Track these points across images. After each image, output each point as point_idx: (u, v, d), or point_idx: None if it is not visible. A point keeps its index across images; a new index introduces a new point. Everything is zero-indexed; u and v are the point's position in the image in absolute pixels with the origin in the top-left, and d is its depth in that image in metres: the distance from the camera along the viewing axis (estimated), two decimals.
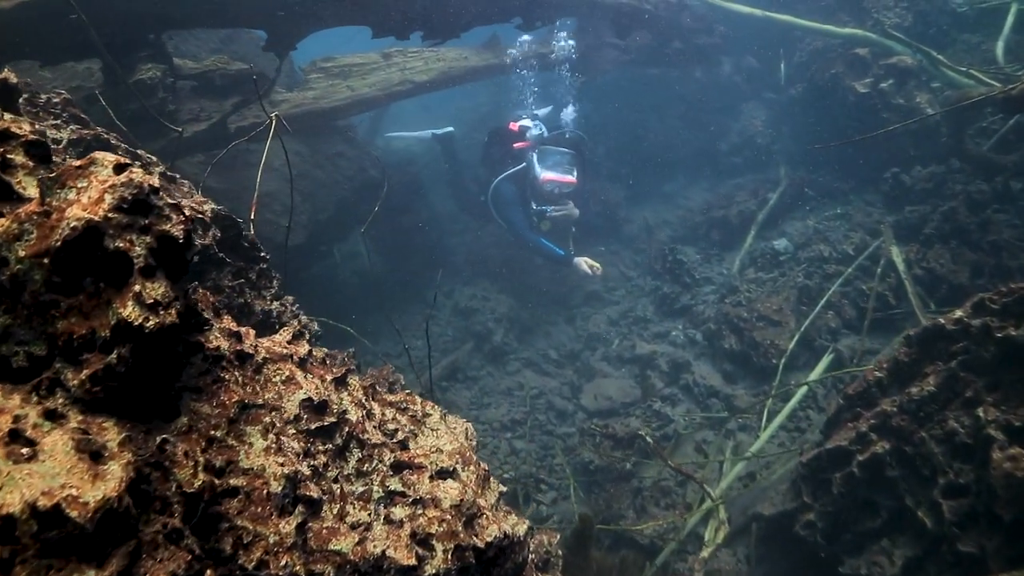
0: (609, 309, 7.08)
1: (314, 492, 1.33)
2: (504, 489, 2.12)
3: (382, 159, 8.98)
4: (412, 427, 1.95)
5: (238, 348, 1.56)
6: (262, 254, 2.73)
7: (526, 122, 7.37)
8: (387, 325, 7.71)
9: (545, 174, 6.65)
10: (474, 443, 2.04)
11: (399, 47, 6.90)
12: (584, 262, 6.55)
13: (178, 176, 3.07)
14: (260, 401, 1.36)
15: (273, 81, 5.45)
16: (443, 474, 1.71)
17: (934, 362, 3.31)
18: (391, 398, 2.00)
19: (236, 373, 1.39)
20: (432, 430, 1.96)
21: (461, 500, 1.63)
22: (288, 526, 1.24)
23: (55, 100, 3.17)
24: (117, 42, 4.99)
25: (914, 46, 6.71)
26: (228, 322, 1.63)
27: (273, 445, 1.32)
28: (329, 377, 1.82)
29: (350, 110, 6.51)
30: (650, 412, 5.45)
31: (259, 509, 1.22)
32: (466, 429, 2.01)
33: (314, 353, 1.90)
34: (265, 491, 1.23)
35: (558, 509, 4.88)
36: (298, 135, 7.67)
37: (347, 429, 1.69)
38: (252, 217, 3.11)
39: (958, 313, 3.28)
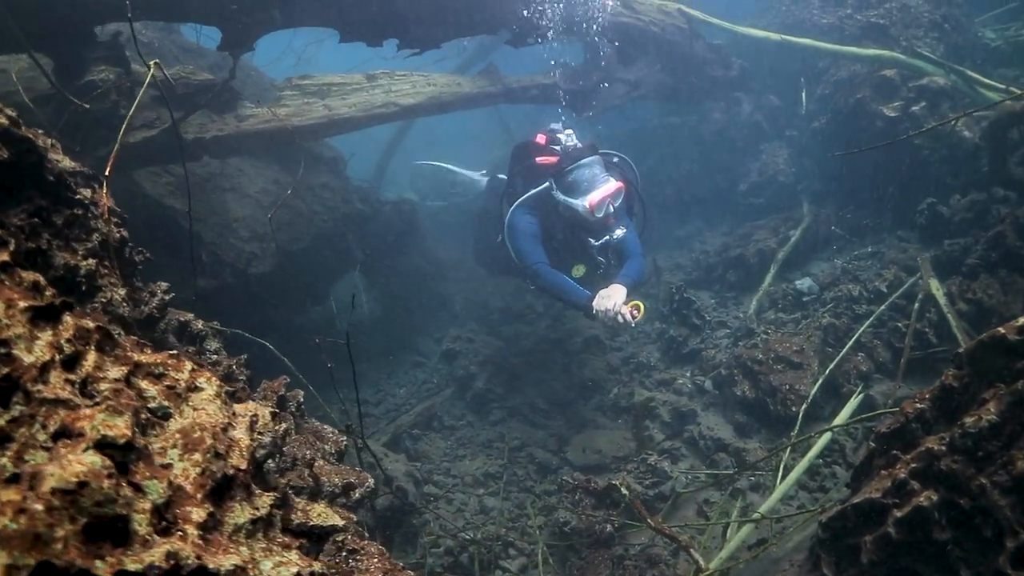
0: (610, 355, 6.29)
1: None
2: (324, 520, 1.38)
3: (373, 194, 8.51)
4: (164, 400, 1.24)
5: None
6: (77, 197, 2.08)
7: (561, 136, 5.50)
8: (371, 371, 7.09)
9: (590, 199, 4.71)
10: (266, 439, 1.33)
11: (386, 70, 6.46)
12: (622, 310, 4.32)
13: None
14: None
15: (225, 83, 4.96)
16: (107, 446, 1.00)
17: (993, 385, 2.50)
18: (143, 358, 1.30)
19: None
20: (194, 408, 1.24)
21: (83, 484, 0.90)
22: None
23: None
24: (59, 36, 4.59)
25: (947, 66, 6.06)
26: None
27: None
28: (23, 304, 1.13)
29: (326, 130, 5.99)
30: (644, 467, 4.60)
31: None
32: (251, 419, 1.29)
33: (21, 275, 1.21)
34: None
35: None
36: (280, 162, 7.22)
37: (6, 371, 1.00)
38: (108, 173, 2.48)
39: (1023, 320, 2.49)
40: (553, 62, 7.19)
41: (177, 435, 1.11)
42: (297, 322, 6.99)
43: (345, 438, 2.77)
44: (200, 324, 2.82)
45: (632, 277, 4.77)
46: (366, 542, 1.86)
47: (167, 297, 2.60)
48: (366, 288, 8.39)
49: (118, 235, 2.62)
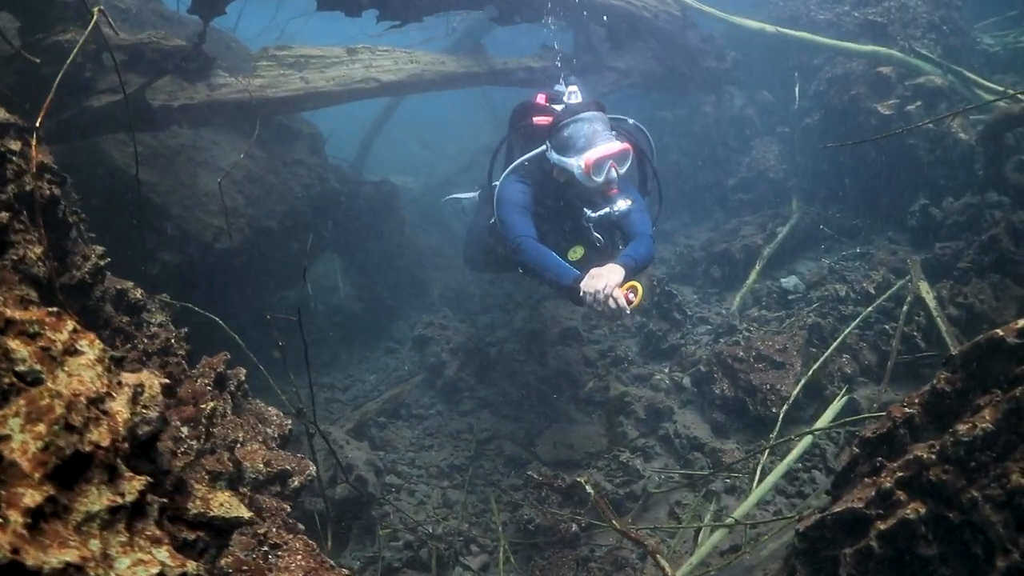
0: (587, 348, 6.09)
1: None
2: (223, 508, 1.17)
3: (352, 174, 8.27)
4: (36, 364, 1.02)
5: None
6: None
7: (564, 95, 4.50)
8: (342, 356, 6.88)
9: (586, 157, 3.78)
10: (152, 414, 1.11)
11: (367, 45, 6.22)
12: (615, 292, 3.44)
13: None
14: None
15: (195, 47, 4.70)
16: None
17: (989, 391, 2.33)
18: (16, 314, 1.08)
19: None
20: (69, 374, 1.03)
21: None
22: None
23: None
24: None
25: (944, 65, 5.91)
26: None
27: None
28: None
29: (302, 103, 5.75)
30: (616, 464, 4.42)
31: None
32: (135, 389, 1.08)
33: None
34: None
35: None
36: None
37: None
38: (38, 124, 2.25)
39: (1023, 322, 2.33)
40: (544, 45, 6.97)
41: (22, 402, 0.91)
42: (271, 302, 6.76)
43: (291, 422, 2.55)
44: (139, 294, 2.59)
45: (633, 257, 3.81)
46: (292, 536, 1.65)
47: (102, 262, 2.36)
48: (343, 271, 8.16)
49: (48, 192, 2.38)
